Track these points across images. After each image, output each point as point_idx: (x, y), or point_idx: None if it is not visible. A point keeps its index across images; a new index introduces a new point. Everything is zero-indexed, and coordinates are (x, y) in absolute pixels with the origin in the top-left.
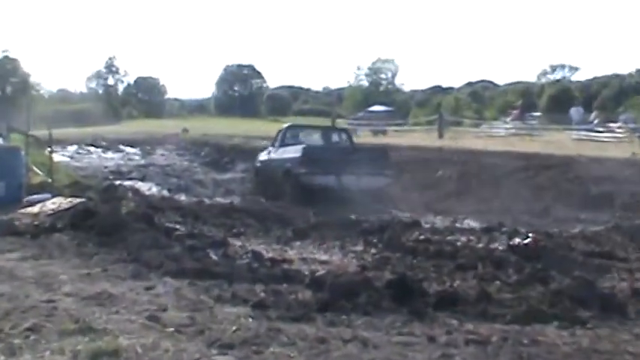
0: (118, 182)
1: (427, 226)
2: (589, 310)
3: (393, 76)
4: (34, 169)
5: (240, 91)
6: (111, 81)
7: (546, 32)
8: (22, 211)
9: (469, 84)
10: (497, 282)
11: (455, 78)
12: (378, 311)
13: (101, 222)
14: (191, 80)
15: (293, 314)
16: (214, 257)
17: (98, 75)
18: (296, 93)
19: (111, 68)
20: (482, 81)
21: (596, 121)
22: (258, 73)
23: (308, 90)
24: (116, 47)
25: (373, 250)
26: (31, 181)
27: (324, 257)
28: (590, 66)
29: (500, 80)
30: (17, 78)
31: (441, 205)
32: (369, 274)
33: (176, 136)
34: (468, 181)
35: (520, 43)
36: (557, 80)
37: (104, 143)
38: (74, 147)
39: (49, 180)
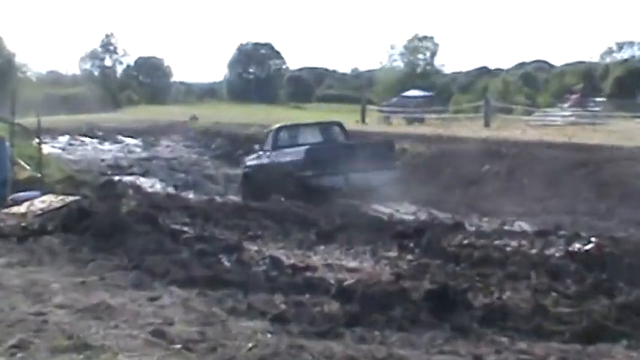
0: (116, 178)
1: (471, 228)
2: None
3: (432, 56)
4: (21, 162)
5: (257, 74)
6: (108, 62)
7: (612, 3)
8: (7, 210)
9: (520, 65)
10: (554, 294)
11: (504, 58)
12: (415, 326)
13: (98, 223)
14: (200, 61)
15: (317, 329)
16: (227, 263)
17: (93, 55)
18: (320, 75)
19: (108, 47)
20: (536, 61)
21: None
22: (277, 52)
23: (334, 72)
24: (114, 23)
25: (409, 256)
26: (17, 176)
27: (353, 264)
28: None
29: (557, 60)
30: (0, 58)
31: (487, 204)
32: (405, 284)
33: (183, 124)
34: (518, 177)
35: (581, 16)
36: (625, 60)
37: (100, 133)
38: (66, 137)
39: (38, 175)
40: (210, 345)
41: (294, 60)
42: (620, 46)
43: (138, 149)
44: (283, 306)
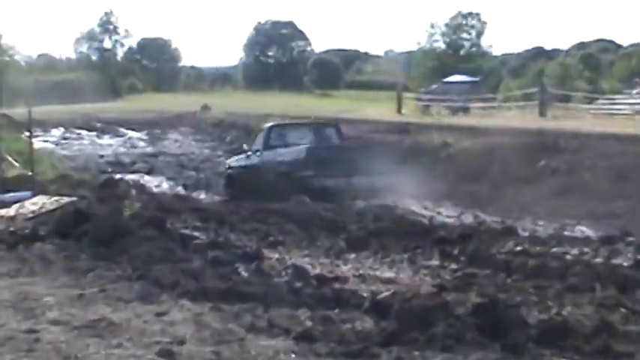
0: (118, 176)
1: (525, 233)
2: None
3: (478, 35)
4: (9, 159)
5: (277, 57)
6: (107, 44)
7: None
8: None
9: (581, 45)
10: (622, 309)
11: (562, 37)
12: (460, 346)
13: (97, 228)
14: (212, 42)
15: (348, 349)
16: (245, 274)
17: (91, 36)
18: (350, 58)
19: (107, 27)
20: (599, 40)
21: None
22: (301, 32)
23: (366, 54)
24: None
25: (453, 266)
26: (6, 174)
27: (389, 274)
28: None
29: (624, 40)
30: None
31: (543, 206)
32: (449, 297)
33: (193, 115)
34: (579, 174)
35: None
36: None
37: (99, 125)
38: (60, 130)
39: (29, 173)
40: None
41: (320, 41)
42: None
43: (142, 143)
44: (309, 322)
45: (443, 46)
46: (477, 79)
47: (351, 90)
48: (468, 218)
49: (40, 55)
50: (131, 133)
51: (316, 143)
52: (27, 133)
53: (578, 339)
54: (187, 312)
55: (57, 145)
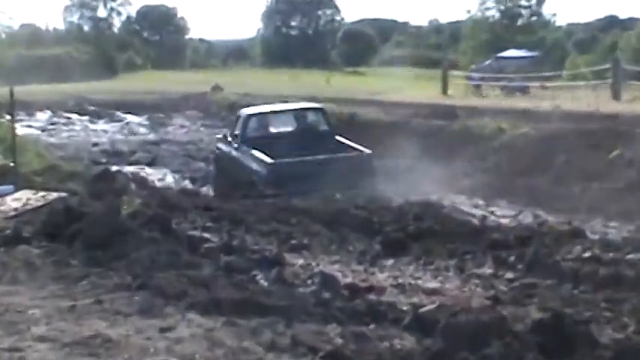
0: (114, 168)
1: (594, 237)
2: None
3: (539, 2)
4: None
5: (301, 28)
6: (102, 12)
7: None
8: None
9: None
10: None
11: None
12: None
13: (91, 228)
14: (225, 11)
15: None
16: (263, 282)
17: (82, 3)
18: (387, 30)
19: None
20: None
21: None
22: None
23: (405, 25)
24: None
25: (509, 274)
26: None
27: (433, 284)
28: None
29: None
30: None
31: (616, 204)
32: (504, 311)
33: (202, 96)
34: None
35: None
36: None
37: (93, 108)
38: (47, 114)
39: (10, 164)
40: None
41: (352, 9)
42: None
43: (142, 130)
44: (339, 340)
45: (497, 14)
46: (538, 53)
47: (388, 67)
48: (527, 218)
49: (22, 26)
50: (130, 118)
51: (300, 132)
52: (8, 117)
53: None
54: (197, 327)
55: (43, 131)
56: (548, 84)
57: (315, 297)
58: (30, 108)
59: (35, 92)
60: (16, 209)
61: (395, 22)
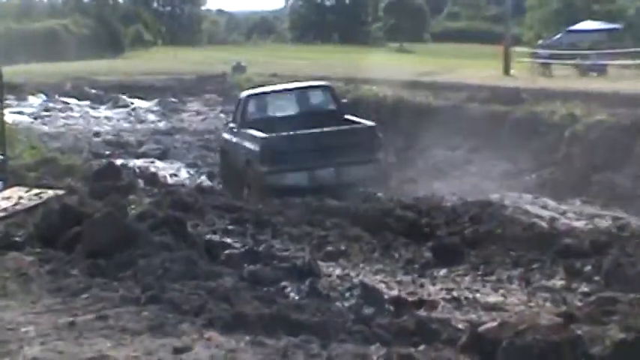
0: (120, 162)
1: None
2: None
3: None
4: None
5: None
6: None
7: None
8: None
9: None
10: None
11: None
12: None
13: (93, 232)
14: None
15: None
16: (294, 295)
17: None
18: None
19: None
20: None
21: None
22: None
23: None
24: None
25: (584, 287)
26: None
27: (493, 298)
28: None
29: None
30: None
31: None
32: (579, 331)
33: (222, 77)
34: None
35: None
36: None
37: (94, 92)
38: (41, 98)
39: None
40: None
41: None
42: None
43: (152, 117)
44: None
45: None
46: (618, 26)
47: (440, 43)
48: (605, 221)
49: None
50: (137, 103)
51: (305, 112)
52: None
53: None
54: (216, 348)
55: (37, 118)
56: (629, 62)
57: (354, 312)
58: (20, 91)
59: (26, 73)
60: (5, 209)
61: None
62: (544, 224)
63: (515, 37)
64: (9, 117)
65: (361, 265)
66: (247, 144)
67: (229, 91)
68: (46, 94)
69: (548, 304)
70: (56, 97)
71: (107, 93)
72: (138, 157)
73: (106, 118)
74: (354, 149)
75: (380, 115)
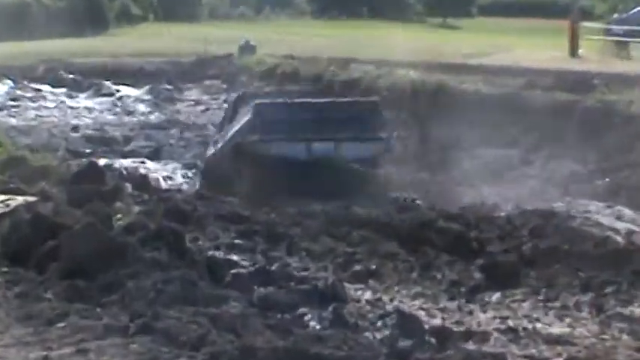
0: (103, 162)
1: None
2: None
3: None
4: None
5: None
6: None
7: None
8: None
9: None
10: None
11: None
12: None
13: (70, 247)
14: None
15: None
16: (315, 324)
17: None
18: None
19: None
20: None
21: None
22: None
23: None
24: None
25: None
26: None
27: (558, 328)
28: None
29: None
30: None
31: None
32: None
33: (227, 59)
34: None
35: None
36: None
37: (72, 77)
38: (7, 85)
39: None
40: None
41: None
42: None
43: (142, 107)
44: None
45: None
46: None
47: (491, 17)
48: None
49: None
50: (124, 91)
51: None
52: None
53: None
54: None
55: (1, 109)
56: None
57: (388, 346)
58: None
59: None
60: None
61: None
62: (619, 239)
63: (585, 11)
64: None
65: (396, 288)
66: (235, 128)
67: (235, 76)
68: (13, 80)
69: (625, 336)
70: (25, 83)
71: (87, 78)
72: (125, 156)
73: (87, 108)
74: (355, 125)
75: (418, 105)
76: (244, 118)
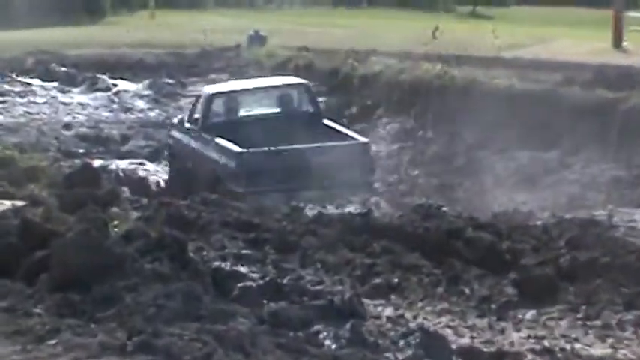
0: (98, 163)
1: None
2: None
3: None
4: None
5: None
6: None
7: None
8: None
9: None
10: None
11: None
12: None
13: (63, 257)
14: None
15: None
16: (331, 343)
17: None
18: None
19: None
20: None
21: None
22: None
23: None
24: None
25: None
26: None
27: (600, 349)
28: None
29: None
30: None
31: None
32: None
33: (235, 51)
34: None
35: None
36: None
37: (64, 69)
38: None
39: None
40: None
41: None
42: None
43: (142, 104)
44: None
45: None
46: None
47: (527, 6)
48: None
49: None
50: (122, 85)
51: (278, 115)
52: None
53: None
54: None
55: None
56: None
57: None
58: None
59: None
60: None
61: None
62: None
63: None
64: None
65: (420, 304)
66: (215, 155)
67: (243, 69)
68: None
69: None
70: (13, 76)
71: (81, 72)
72: (122, 157)
73: (80, 104)
74: (345, 170)
75: (445, 102)
76: (222, 149)
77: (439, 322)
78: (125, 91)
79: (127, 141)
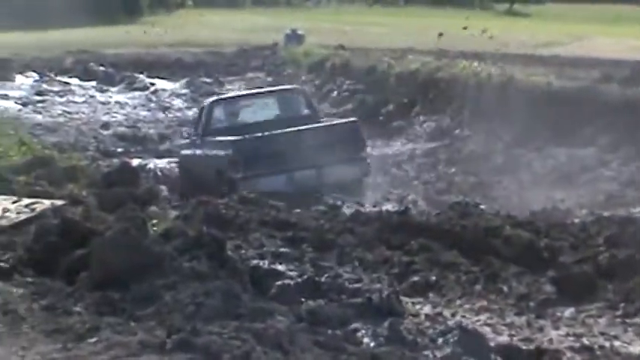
0: (137, 162)
1: None
2: None
3: None
4: None
5: None
6: None
7: None
8: None
9: None
10: None
11: None
12: None
13: (102, 256)
14: None
15: None
16: (369, 341)
17: None
18: None
19: None
20: None
21: None
22: None
23: None
24: None
25: None
26: None
27: (639, 347)
28: None
29: None
30: None
31: None
32: None
33: (272, 50)
34: None
35: None
36: None
37: (102, 69)
38: (32, 78)
39: None
40: None
41: None
42: None
43: (179, 103)
44: None
45: None
46: None
47: (564, 3)
48: None
49: None
50: (159, 84)
51: (276, 119)
52: None
53: None
54: None
55: (27, 105)
56: None
57: None
58: (5, 69)
59: (11, 44)
60: None
61: None
62: None
63: None
64: None
65: (458, 302)
66: (216, 151)
67: (281, 68)
68: (39, 73)
69: None
70: (52, 76)
71: (119, 71)
72: (160, 156)
73: (118, 104)
74: (336, 148)
75: (482, 100)
76: (221, 144)
77: (477, 320)
78: (163, 90)
79: (165, 140)
